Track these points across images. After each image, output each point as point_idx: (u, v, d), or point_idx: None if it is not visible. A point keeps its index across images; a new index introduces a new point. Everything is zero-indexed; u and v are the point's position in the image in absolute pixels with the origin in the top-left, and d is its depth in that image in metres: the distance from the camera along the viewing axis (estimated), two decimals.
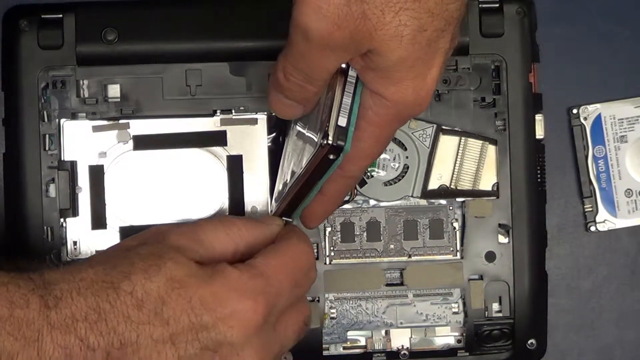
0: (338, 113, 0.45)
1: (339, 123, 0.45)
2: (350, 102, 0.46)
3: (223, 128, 0.57)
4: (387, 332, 0.60)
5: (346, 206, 0.59)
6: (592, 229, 0.63)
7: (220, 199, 0.57)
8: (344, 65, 0.46)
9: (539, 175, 0.59)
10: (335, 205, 0.53)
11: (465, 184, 0.59)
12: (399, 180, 0.59)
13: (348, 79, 0.46)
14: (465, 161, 0.59)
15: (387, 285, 0.59)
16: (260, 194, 0.57)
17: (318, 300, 0.58)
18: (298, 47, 0.44)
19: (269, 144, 0.57)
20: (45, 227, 0.57)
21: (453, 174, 0.59)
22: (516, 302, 0.59)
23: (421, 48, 0.44)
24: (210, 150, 0.57)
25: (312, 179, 0.48)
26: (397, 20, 0.42)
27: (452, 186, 0.59)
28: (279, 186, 0.54)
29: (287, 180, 0.52)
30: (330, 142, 0.45)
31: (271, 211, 0.55)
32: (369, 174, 0.58)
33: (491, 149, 0.59)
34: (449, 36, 0.45)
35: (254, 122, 0.58)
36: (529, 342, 0.59)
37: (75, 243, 0.57)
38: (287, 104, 0.48)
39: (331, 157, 0.45)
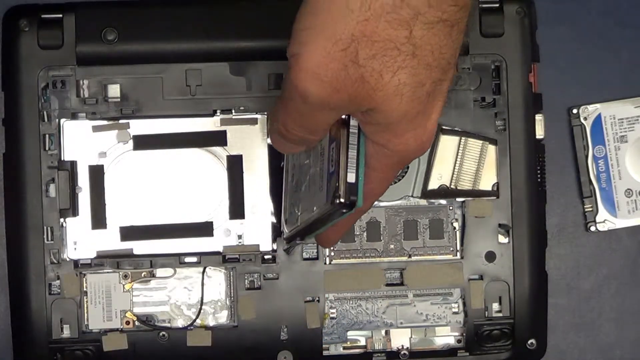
0: (346, 169, 0.46)
1: (349, 180, 0.46)
2: (355, 155, 0.46)
3: (223, 128, 0.57)
4: (387, 332, 0.60)
5: None
6: (592, 229, 0.63)
7: (220, 199, 0.57)
8: (344, 116, 0.46)
9: (539, 175, 0.59)
10: (347, 228, 0.53)
11: (465, 184, 0.59)
12: (399, 180, 0.59)
13: (351, 130, 0.46)
14: (465, 161, 0.59)
15: (387, 285, 0.59)
16: (260, 194, 0.57)
17: (318, 300, 0.58)
18: (297, 107, 0.44)
19: (269, 144, 0.57)
20: (45, 227, 0.57)
21: (453, 174, 0.59)
22: (516, 302, 0.59)
23: (421, 102, 0.44)
24: (210, 150, 0.57)
25: (324, 222, 0.49)
26: (396, 79, 0.42)
27: (452, 186, 0.59)
28: (286, 205, 0.54)
29: (297, 210, 0.52)
30: (342, 200, 0.46)
31: (282, 232, 0.55)
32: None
33: (491, 149, 0.59)
34: (447, 83, 0.45)
35: (254, 122, 0.58)
36: (529, 342, 0.59)
37: (75, 243, 0.57)
38: (289, 146, 0.49)
39: (344, 211, 0.46)
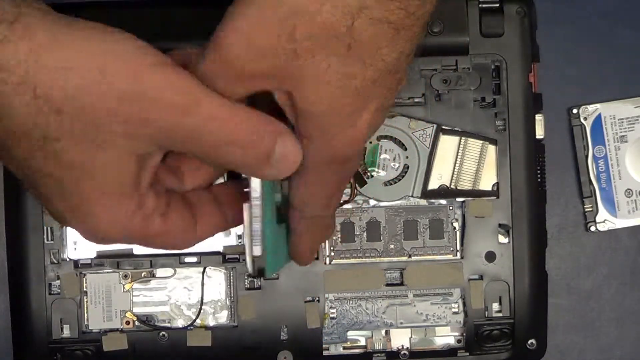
0: (251, 243, 0.44)
1: (254, 253, 0.44)
2: (259, 227, 0.44)
3: None
4: (387, 332, 0.60)
5: (346, 206, 0.59)
6: (592, 229, 0.63)
7: None
8: (246, 190, 0.44)
9: (539, 175, 0.59)
10: (320, 237, 0.50)
11: (465, 184, 0.59)
12: (399, 180, 0.59)
13: (253, 203, 0.44)
14: (465, 161, 0.59)
15: (387, 285, 0.59)
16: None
17: (318, 300, 0.58)
18: (216, 70, 0.41)
19: None
20: (45, 227, 0.57)
21: (453, 174, 0.59)
22: (516, 302, 0.59)
23: (350, 96, 0.41)
24: None
25: None
26: (325, 63, 0.40)
27: (452, 186, 0.59)
28: None
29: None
30: (251, 273, 0.45)
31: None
32: (369, 174, 0.58)
33: (491, 149, 0.59)
34: (385, 87, 0.43)
35: None
36: (529, 342, 0.59)
37: (75, 243, 0.57)
38: None
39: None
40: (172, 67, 0.40)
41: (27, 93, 0.38)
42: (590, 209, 0.63)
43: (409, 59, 0.43)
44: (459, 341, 0.60)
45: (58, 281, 0.57)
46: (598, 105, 0.63)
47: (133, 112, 0.39)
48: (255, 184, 0.44)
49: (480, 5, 0.58)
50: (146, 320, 0.58)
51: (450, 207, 0.60)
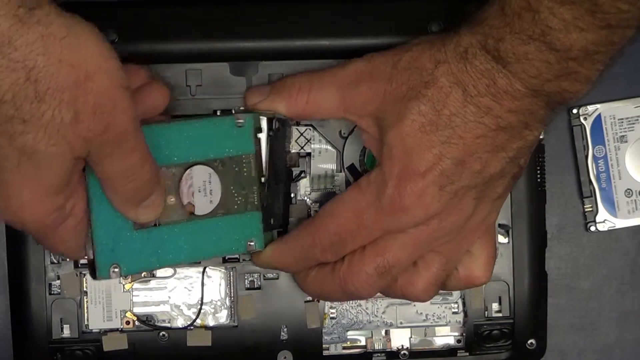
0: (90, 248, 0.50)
1: (89, 257, 0.51)
2: (91, 232, 0.50)
3: None
4: (387, 332, 0.60)
5: None
6: (592, 229, 0.63)
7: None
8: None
9: (538, 175, 0.59)
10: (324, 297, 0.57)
11: None
12: None
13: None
14: None
15: None
16: None
17: (318, 300, 0.58)
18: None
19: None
20: None
21: None
22: (516, 302, 0.59)
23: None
24: None
25: None
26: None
27: None
28: None
29: None
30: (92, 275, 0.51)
31: None
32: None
33: None
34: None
35: None
36: (529, 342, 0.59)
37: None
38: None
39: None
40: (129, 93, 0.45)
41: (21, 73, 0.41)
42: (590, 209, 0.63)
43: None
44: (458, 341, 0.60)
45: (58, 281, 0.57)
46: (598, 105, 0.63)
47: (96, 120, 0.44)
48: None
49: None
50: (146, 320, 0.58)
51: None
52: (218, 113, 0.57)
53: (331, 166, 0.58)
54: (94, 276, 0.50)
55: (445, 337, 0.60)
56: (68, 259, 0.57)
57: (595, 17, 0.43)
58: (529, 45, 0.45)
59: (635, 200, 0.63)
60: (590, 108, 0.63)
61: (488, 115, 0.47)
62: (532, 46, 0.45)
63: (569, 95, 0.47)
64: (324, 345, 0.59)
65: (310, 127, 0.57)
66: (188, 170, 0.52)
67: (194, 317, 0.58)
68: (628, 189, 0.63)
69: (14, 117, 0.42)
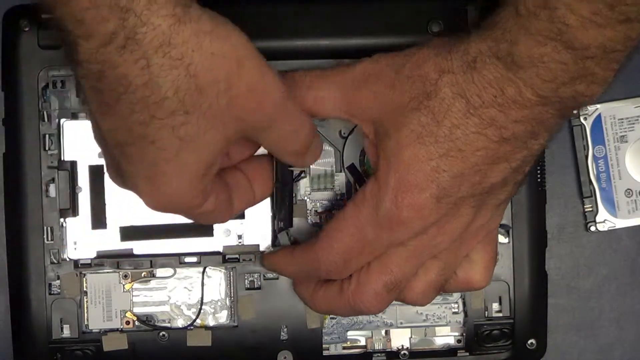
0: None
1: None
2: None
3: None
4: (387, 332, 0.60)
5: None
6: (592, 229, 0.63)
7: None
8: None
9: (539, 175, 0.59)
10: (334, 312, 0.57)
11: None
12: None
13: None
14: None
15: None
16: None
17: None
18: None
19: None
20: (45, 227, 0.57)
21: None
22: (516, 302, 0.59)
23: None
24: None
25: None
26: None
27: None
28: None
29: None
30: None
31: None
32: (370, 172, 0.58)
33: None
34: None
35: None
36: (529, 342, 0.59)
37: (75, 243, 0.57)
38: None
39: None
40: (277, 74, 0.47)
41: (181, 69, 0.43)
42: (590, 209, 0.63)
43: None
44: (458, 341, 0.60)
45: (58, 281, 0.57)
46: (598, 105, 0.63)
47: (249, 100, 0.45)
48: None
49: (480, 6, 0.58)
50: (146, 320, 0.58)
51: None
52: None
53: (331, 166, 0.58)
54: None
55: (445, 337, 0.60)
56: (75, 259, 0.57)
57: (614, 11, 0.42)
58: (545, 46, 0.44)
59: (635, 200, 0.63)
60: (590, 108, 0.63)
61: (492, 126, 0.46)
62: (548, 47, 0.44)
63: (583, 99, 0.46)
64: (324, 345, 0.59)
65: None
66: None
67: (194, 317, 0.58)
68: (628, 189, 0.63)
69: (177, 110, 0.44)
